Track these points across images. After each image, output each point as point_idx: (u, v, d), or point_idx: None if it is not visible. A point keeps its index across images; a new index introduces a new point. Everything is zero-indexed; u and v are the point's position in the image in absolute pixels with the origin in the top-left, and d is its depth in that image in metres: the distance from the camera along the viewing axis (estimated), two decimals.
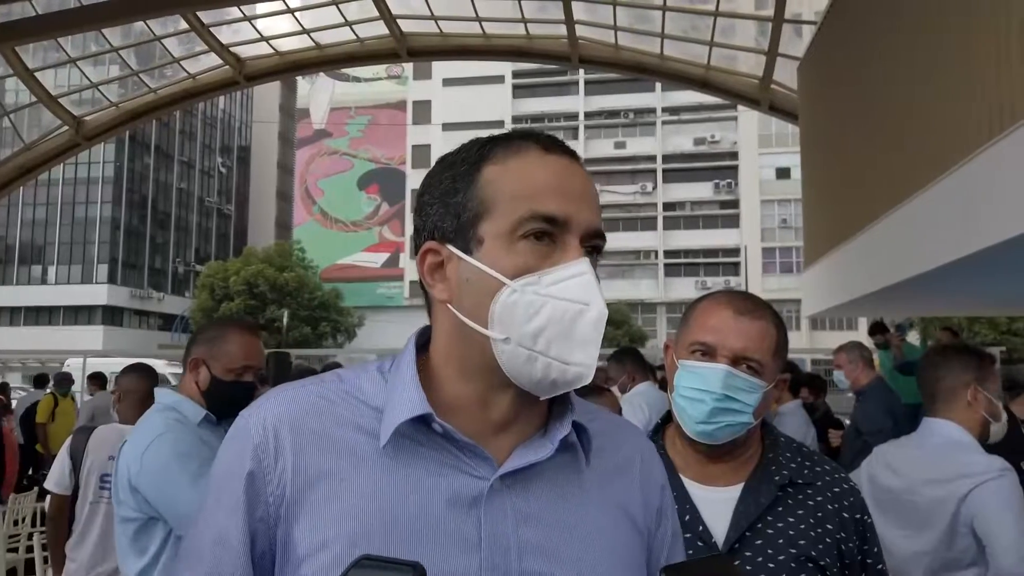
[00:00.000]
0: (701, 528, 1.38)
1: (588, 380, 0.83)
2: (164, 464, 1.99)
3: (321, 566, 0.80)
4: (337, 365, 5.76)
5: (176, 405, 2.17)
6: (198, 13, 11.08)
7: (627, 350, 5.07)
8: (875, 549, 1.44)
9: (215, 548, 0.85)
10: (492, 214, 0.84)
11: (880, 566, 1.44)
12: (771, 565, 1.35)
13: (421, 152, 48.61)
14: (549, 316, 0.81)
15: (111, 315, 48.14)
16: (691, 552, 1.36)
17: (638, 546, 0.93)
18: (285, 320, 34.77)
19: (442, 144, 48.04)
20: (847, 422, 5.90)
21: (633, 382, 4.45)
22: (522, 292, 0.81)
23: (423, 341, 0.92)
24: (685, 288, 43.95)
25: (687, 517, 1.39)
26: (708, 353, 1.41)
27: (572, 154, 0.89)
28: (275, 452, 0.84)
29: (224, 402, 2.17)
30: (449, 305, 0.87)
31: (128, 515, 2.04)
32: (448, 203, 0.87)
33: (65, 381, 9.76)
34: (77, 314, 47.98)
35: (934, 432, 2.16)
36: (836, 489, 1.43)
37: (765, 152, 43.07)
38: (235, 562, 0.84)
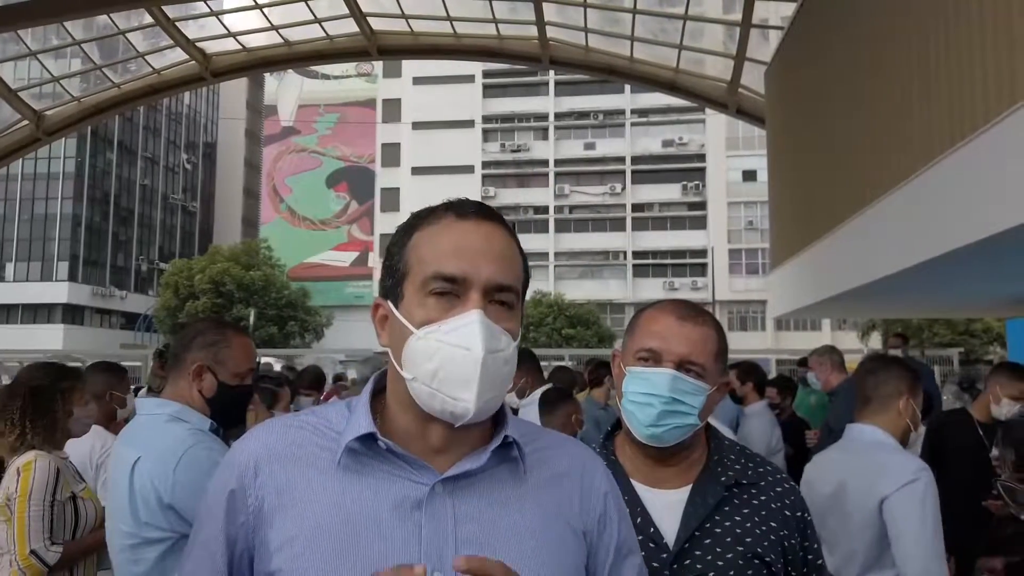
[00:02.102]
0: (652, 529, 1.43)
1: (472, 413, 0.96)
2: (204, 476, 1.82)
3: (288, 556, 0.97)
4: (317, 368, 5.75)
5: (180, 414, 2.04)
6: (163, 7, 10.90)
7: (522, 353, 4.80)
8: (815, 545, 1.52)
9: (200, 549, 1.05)
10: (411, 274, 1.02)
11: (820, 561, 1.52)
12: (720, 563, 1.40)
13: (391, 151, 48.34)
14: (442, 359, 0.96)
15: (72, 313, 47.12)
16: (643, 554, 1.39)
17: (574, 545, 1.05)
18: (252, 319, 34.32)
19: (411, 143, 47.97)
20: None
21: (532, 387, 4.27)
22: (424, 339, 0.98)
23: (383, 383, 1.10)
24: (653, 289, 44.23)
25: (638, 519, 1.43)
26: (654, 359, 1.47)
27: (488, 216, 1.03)
28: (255, 473, 1.02)
29: (230, 408, 2.09)
30: (388, 350, 1.04)
31: (154, 536, 1.88)
32: (387, 265, 1.06)
33: None
34: (36, 312, 46.89)
35: (857, 436, 2.31)
36: (778, 488, 1.50)
37: (732, 155, 43.54)
38: (212, 561, 1.03)
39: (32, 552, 2.39)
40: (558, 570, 1.01)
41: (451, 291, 0.98)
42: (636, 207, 46.11)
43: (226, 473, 1.05)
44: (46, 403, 2.65)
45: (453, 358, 0.96)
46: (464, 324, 0.96)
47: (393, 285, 1.03)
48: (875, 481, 2.13)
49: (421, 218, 1.05)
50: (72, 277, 47.07)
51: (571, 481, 1.08)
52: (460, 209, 1.03)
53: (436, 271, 0.98)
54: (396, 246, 1.05)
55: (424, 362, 0.97)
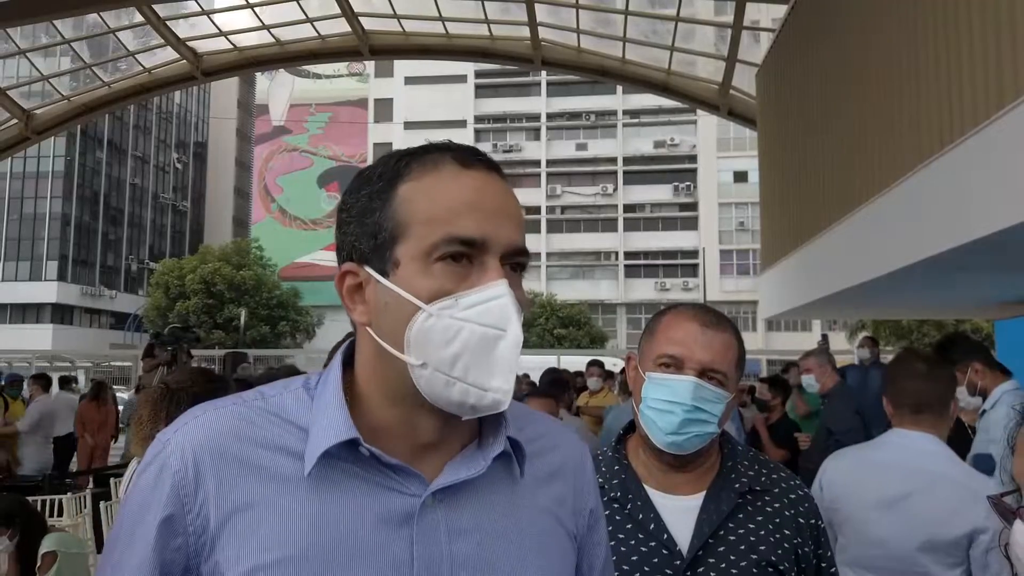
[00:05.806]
0: (666, 536, 1.41)
1: (506, 405, 0.81)
2: None
3: None
4: (292, 368, 5.62)
5: None
6: (154, 6, 10.86)
7: None
8: (828, 553, 1.50)
9: None
10: (408, 236, 0.82)
11: (833, 569, 1.50)
12: (734, 571, 1.39)
13: (382, 150, 47.31)
14: (466, 342, 0.79)
15: (61, 313, 46.85)
16: (655, 560, 1.39)
17: (570, 551, 0.95)
18: (243, 319, 34.23)
19: (403, 143, 46.78)
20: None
21: None
22: (438, 317, 0.79)
23: (350, 357, 0.90)
24: (645, 289, 44.33)
25: (652, 526, 1.42)
26: (675, 365, 1.45)
27: (491, 166, 0.86)
28: (195, 481, 0.81)
29: None
30: (368, 328, 0.85)
31: None
32: (365, 223, 0.84)
33: (17, 383, 9.56)
34: (25, 312, 46.60)
35: (911, 446, 2.06)
36: (792, 496, 1.49)
37: (723, 156, 43.65)
38: None
39: None
40: None
41: (467, 255, 0.81)
42: (628, 208, 46.18)
43: (155, 477, 0.82)
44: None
45: (483, 340, 0.79)
46: (490, 298, 0.80)
47: (378, 248, 0.83)
48: (965, 507, 1.92)
49: (407, 163, 0.85)
50: (61, 277, 46.79)
51: (565, 478, 0.97)
52: (461, 155, 0.85)
53: (449, 233, 0.80)
54: (377, 199, 0.84)
55: (442, 346, 0.79)
